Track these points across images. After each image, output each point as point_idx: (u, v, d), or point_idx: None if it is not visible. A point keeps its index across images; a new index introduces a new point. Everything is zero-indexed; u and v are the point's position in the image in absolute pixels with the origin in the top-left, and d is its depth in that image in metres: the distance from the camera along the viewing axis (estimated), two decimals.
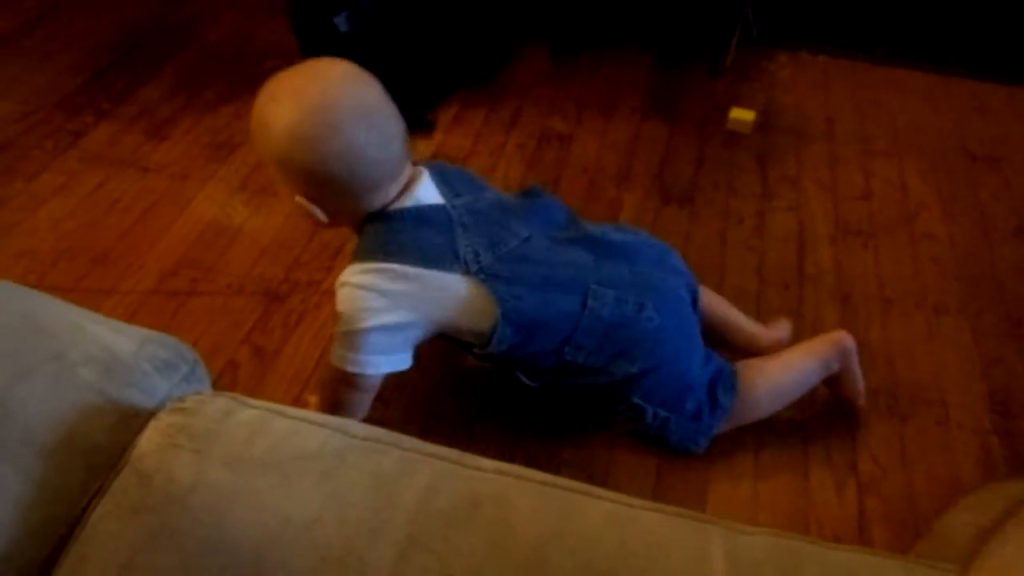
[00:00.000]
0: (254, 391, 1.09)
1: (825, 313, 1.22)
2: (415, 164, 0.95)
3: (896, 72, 1.72)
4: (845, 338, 1.04)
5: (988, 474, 1.02)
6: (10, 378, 0.53)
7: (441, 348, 1.08)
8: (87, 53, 1.69)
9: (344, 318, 0.89)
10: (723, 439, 1.03)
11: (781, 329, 1.13)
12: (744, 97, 1.63)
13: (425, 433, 0.58)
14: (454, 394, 1.10)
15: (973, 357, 1.16)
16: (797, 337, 1.12)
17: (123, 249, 1.29)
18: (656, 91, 1.66)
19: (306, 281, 1.25)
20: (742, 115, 1.54)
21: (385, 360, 0.90)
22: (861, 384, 1.05)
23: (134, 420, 0.55)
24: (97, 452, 0.53)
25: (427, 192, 0.92)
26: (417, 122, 1.52)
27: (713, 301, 1.12)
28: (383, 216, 0.90)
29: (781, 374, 1.03)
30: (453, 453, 0.54)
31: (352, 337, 0.89)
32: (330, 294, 0.90)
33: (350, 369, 0.90)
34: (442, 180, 0.94)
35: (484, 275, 0.89)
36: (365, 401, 0.95)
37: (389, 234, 0.89)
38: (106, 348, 0.58)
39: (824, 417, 1.08)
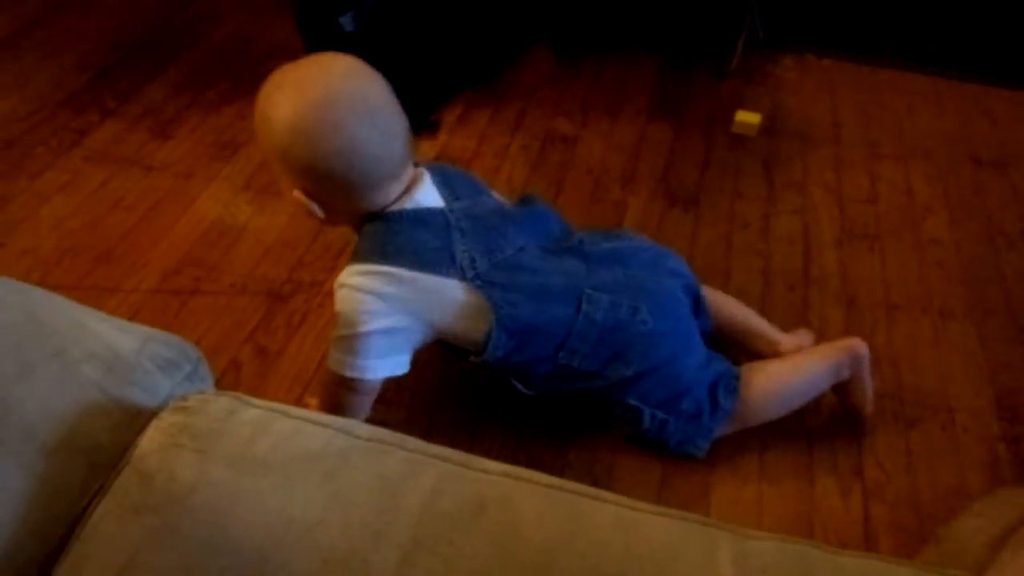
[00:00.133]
0: (256, 391, 1.09)
1: (830, 317, 1.21)
2: (417, 165, 0.94)
3: (902, 76, 1.71)
4: (858, 345, 1.03)
5: (995, 480, 1.01)
6: (12, 375, 0.52)
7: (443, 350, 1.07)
8: (92, 51, 1.69)
9: (342, 321, 0.88)
10: (727, 442, 1.02)
11: (803, 337, 1.12)
12: (750, 100, 1.63)
13: (428, 434, 0.58)
14: (457, 395, 1.09)
15: (979, 362, 1.15)
16: None
17: (127, 248, 1.29)
18: (662, 93, 1.65)
19: (309, 281, 1.25)
20: (748, 118, 1.54)
21: (383, 364, 0.90)
22: (870, 393, 1.04)
23: (136, 419, 0.54)
24: (98, 451, 0.53)
25: (427, 195, 0.91)
26: (421, 123, 1.52)
27: (730, 305, 1.11)
28: (382, 217, 0.89)
29: (790, 378, 1.03)
30: (458, 455, 0.53)
31: (350, 341, 0.88)
32: (333, 295, 0.90)
33: (348, 374, 0.90)
34: (443, 182, 0.94)
35: (480, 281, 0.89)
36: (365, 404, 0.95)
37: (387, 236, 0.88)
38: (108, 346, 0.58)
39: (830, 422, 1.07)
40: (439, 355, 1.10)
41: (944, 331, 1.20)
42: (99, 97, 1.58)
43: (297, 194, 0.88)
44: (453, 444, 0.56)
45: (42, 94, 1.57)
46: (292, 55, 0.91)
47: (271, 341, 1.16)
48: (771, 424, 1.04)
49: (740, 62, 1.70)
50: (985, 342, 1.18)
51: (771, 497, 0.99)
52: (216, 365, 1.12)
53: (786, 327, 1.13)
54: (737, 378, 1.00)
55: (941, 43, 1.80)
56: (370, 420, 0.97)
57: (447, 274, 0.88)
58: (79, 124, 1.51)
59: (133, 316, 1.19)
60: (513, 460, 0.56)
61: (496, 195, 1.03)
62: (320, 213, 0.90)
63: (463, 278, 0.88)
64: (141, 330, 0.61)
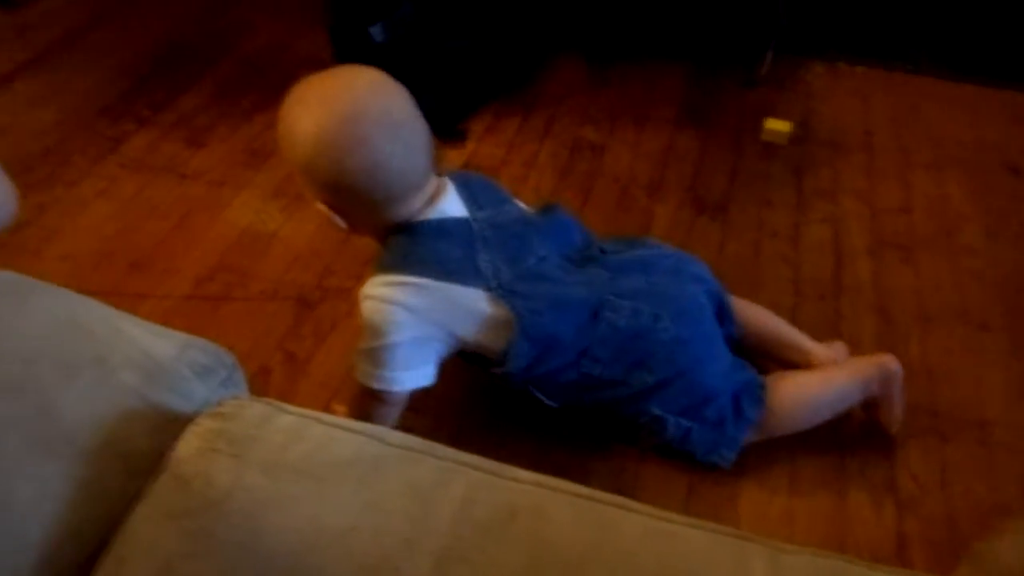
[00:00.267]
0: (285, 397, 1.09)
1: (862, 327, 1.19)
2: (440, 175, 0.95)
3: (937, 83, 1.69)
4: (890, 362, 1.01)
5: None
6: (55, 380, 0.53)
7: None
8: (129, 62, 1.73)
9: (368, 332, 0.89)
10: (756, 453, 1.01)
11: (837, 349, 1.10)
12: (780, 108, 1.61)
13: (454, 442, 0.58)
14: (483, 404, 1.10)
15: (1017, 375, 1.13)
16: None
17: (160, 254, 1.31)
18: (690, 101, 1.65)
19: (337, 288, 1.26)
20: (777, 126, 1.53)
21: (409, 376, 0.91)
22: (899, 411, 1.03)
23: (173, 424, 0.55)
24: (137, 455, 0.54)
25: (451, 204, 0.92)
26: (450, 131, 1.53)
27: (759, 314, 1.11)
28: (406, 228, 0.90)
29: (817, 390, 1.02)
30: (489, 463, 0.53)
31: (377, 353, 0.89)
32: (359, 304, 0.91)
33: (376, 386, 0.91)
34: (466, 192, 0.94)
35: (503, 291, 0.89)
36: (393, 413, 0.95)
37: (411, 246, 0.89)
38: (147, 352, 0.59)
39: (861, 433, 1.05)
40: (465, 364, 1.11)
41: (980, 343, 1.17)
42: (135, 106, 1.61)
43: (320, 206, 0.89)
44: (479, 451, 0.57)
45: (80, 104, 1.61)
46: (323, 65, 0.92)
47: (300, 347, 1.17)
48: (801, 434, 1.02)
49: (770, 70, 1.69)
50: (1022, 354, 1.15)
51: (801, 510, 0.98)
52: (246, 371, 1.13)
53: (817, 338, 1.11)
54: (762, 387, 0.99)
55: (976, 50, 1.77)
56: (397, 427, 0.98)
57: (471, 284, 0.88)
58: (115, 133, 1.54)
59: (166, 322, 1.20)
60: (538, 468, 0.56)
61: (519, 203, 1.04)
62: (343, 225, 0.91)
63: (487, 288, 0.89)
64: (178, 336, 0.62)
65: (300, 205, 1.39)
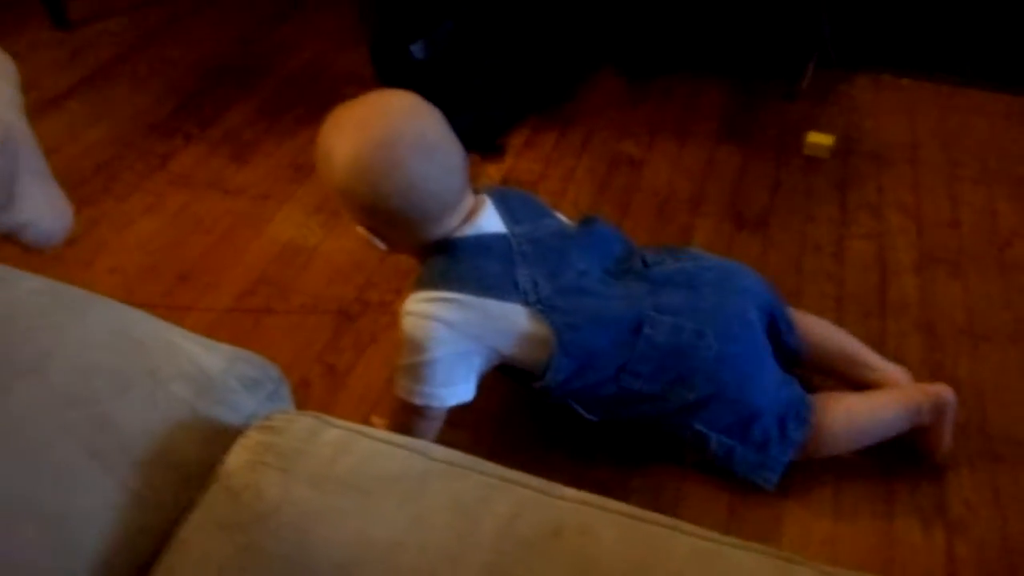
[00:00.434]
0: (325, 409, 1.10)
1: (909, 345, 1.17)
2: (477, 191, 0.95)
3: (984, 95, 1.65)
4: (945, 392, 0.98)
5: None
6: (111, 392, 0.55)
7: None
8: (178, 80, 1.78)
9: (408, 348, 0.90)
10: (800, 472, 0.99)
11: (900, 373, 1.06)
12: (822, 121, 1.59)
13: (492, 457, 0.58)
14: (522, 419, 1.09)
15: None
16: None
17: (204, 267, 1.34)
18: (730, 115, 1.64)
19: (378, 302, 1.27)
20: (820, 139, 1.51)
21: (450, 392, 0.91)
22: (948, 442, 1.00)
23: (222, 436, 0.56)
24: (187, 466, 0.55)
25: (489, 221, 0.92)
26: (488, 147, 1.54)
27: (826, 330, 1.07)
28: (444, 246, 0.91)
29: (867, 415, 0.99)
30: (534, 480, 0.53)
31: (417, 369, 0.90)
32: (400, 316, 0.92)
33: (417, 401, 0.91)
34: (504, 207, 0.95)
35: (543, 306, 0.89)
36: (433, 428, 0.96)
37: (450, 263, 0.90)
38: (197, 365, 0.60)
39: (909, 453, 1.03)
40: (504, 379, 1.11)
41: None
42: (183, 123, 1.65)
43: (360, 229, 0.92)
44: (516, 468, 0.56)
45: (130, 121, 1.66)
46: (364, 82, 0.94)
47: (339, 360, 1.18)
48: (846, 454, 1.00)
49: (812, 83, 1.67)
50: None
51: (846, 532, 0.95)
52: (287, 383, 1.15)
53: None
54: (809, 407, 0.97)
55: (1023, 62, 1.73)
56: (436, 441, 0.98)
57: (510, 299, 0.89)
58: (164, 149, 1.59)
59: (209, 334, 1.22)
60: (578, 484, 0.56)
61: (559, 216, 1.04)
62: (383, 247, 0.93)
63: (526, 303, 0.89)
64: (227, 349, 0.64)
65: (341, 219, 1.41)
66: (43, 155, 0.79)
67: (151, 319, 0.65)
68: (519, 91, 1.62)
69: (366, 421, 1.09)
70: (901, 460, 1.02)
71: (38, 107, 1.65)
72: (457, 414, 1.05)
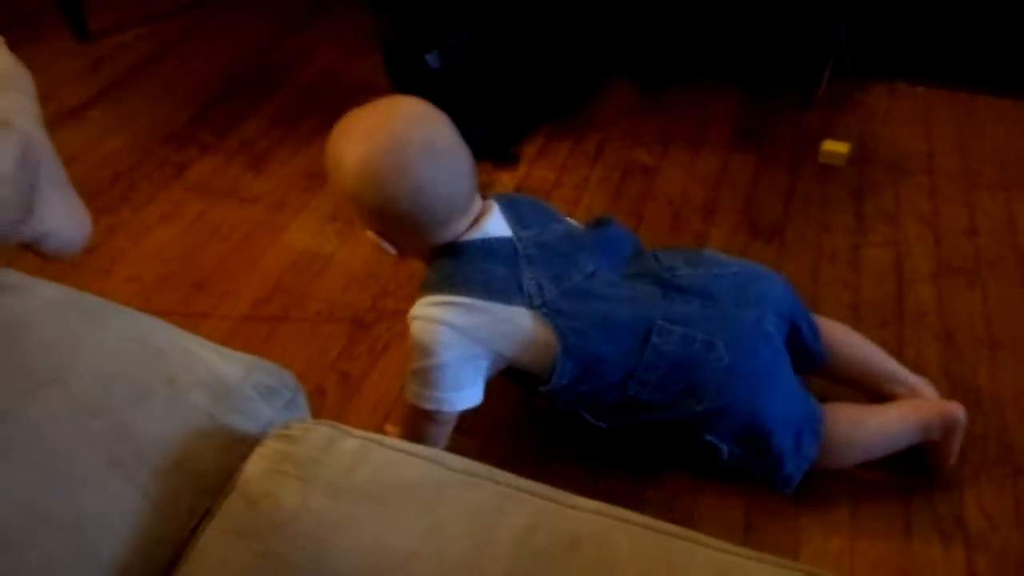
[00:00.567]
0: (339, 417, 1.11)
1: (927, 354, 1.16)
2: (486, 198, 0.96)
3: (1001, 103, 1.64)
4: (956, 410, 0.96)
5: None
6: (131, 400, 0.55)
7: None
8: (194, 91, 1.80)
9: (416, 352, 0.90)
10: (816, 483, 0.98)
11: (925, 386, 1.04)
12: (838, 130, 1.58)
13: (503, 466, 0.58)
14: (533, 427, 1.09)
15: None
16: None
17: (220, 275, 1.35)
18: (745, 123, 1.63)
19: (392, 310, 1.27)
20: (835, 148, 1.50)
21: (460, 397, 0.91)
22: (953, 459, 0.98)
23: (240, 445, 0.57)
24: (205, 475, 0.55)
25: (495, 225, 0.93)
26: (502, 155, 1.55)
27: (852, 340, 1.05)
28: (451, 249, 0.92)
29: (874, 429, 0.97)
30: (549, 490, 0.53)
31: (426, 374, 0.90)
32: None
33: (426, 406, 0.92)
34: (511, 212, 0.95)
35: (547, 309, 0.89)
36: (444, 433, 0.96)
37: (456, 267, 0.91)
38: (215, 373, 0.60)
39: (927, 464, 1.02)
40: (515, 386, 1.11)
41: None
42: (199, 133, 1.67)
43: (370, 234, 0.93)
44: (528, 477, 0.56)
45: (148, 131, 1.67)
46: (379, 91, 0.95)
47: (354, 368, 1.19)
48: (863, 464, 0.99)
49: (827, 91, 1.67)
50: None
51: (864, 544, 0.94)
52: None
53: None
54: (820, 421, 0.95)
55: None
56: (447, 448, 0.98)
57: (515, 302, 0.89)
58: (180, 158, 1.60)
59: (225, 342, 1.23)
60: (591, 495, 0.56)
61: (570, 221, 1.03)
62: (392, 251, 0.94)
63: (530, 306, 0.89)
64: (244, 358, 0.64)
65: (356, 228, 1.42)
66: (62, 165, 0.80)
67: (169, 327, 0.66)
68: (533, 100, 1.62)
69: (380, 429, 1.10)
70: (919, 472, 1.01)
71: (58, 118, 1.67)
72: (468, 421, 1.06)
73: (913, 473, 1.01)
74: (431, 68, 1.47)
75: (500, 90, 1.55)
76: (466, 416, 0.95)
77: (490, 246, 0.91)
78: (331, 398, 1.15)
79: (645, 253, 1.03)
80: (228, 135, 1.66)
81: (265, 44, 1.96)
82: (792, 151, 1.55)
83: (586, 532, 0.49)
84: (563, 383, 0.91)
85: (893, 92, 1.69)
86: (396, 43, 1.53)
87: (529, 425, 1.09)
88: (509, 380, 0.99)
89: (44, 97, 0.83)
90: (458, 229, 0.91)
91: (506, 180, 1.51)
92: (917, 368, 1.11)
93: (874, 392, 1.04)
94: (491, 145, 1.53)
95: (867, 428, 0.97)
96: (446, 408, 0.92)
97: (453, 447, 1.00)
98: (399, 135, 0.87)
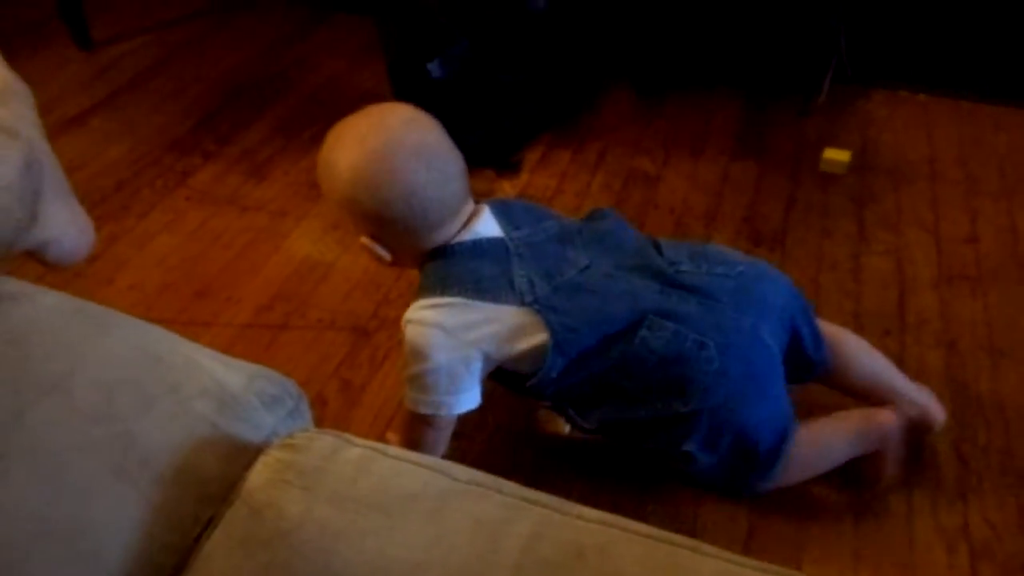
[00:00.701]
0: (341, 425, 1.11)
1: (929, 363, 1.15)
2: (479, 203, 0.96)
3: (1003, 111, 1.64)
4: (887, 419, 0.95)
5: None
6: (135, 408, 0.55)
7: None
8: (197, 99, 1.80)
9: (411, 357, 0.90)
10: (817, 494, 0.98)
11: (925, 395, 1.03)
12: (838, 137, 1.59)
13: (505, 477, 0.57)
14: (532, 436, 1.09)
15: None
16: None
17: (222, 283, 1.35)
18: (745, 131, 1.64)
19: (394, 318, 1.27)
20: (836, 155, 1.50)
21: (456, 400, 0.91)
22: (891, 470, 0.97)
23: (243, 454, 0.57)
24: (209, 483, 0.55)
25: (486, 226, 0.93)
26: (504, 163, 1.55)
27: (860, 354, 1.03)
28: (442, 252, 0.92)
29: (806, 446, 0.94)
30: (554, 500, 0.53)
31: (421, 378, 0.90)
32: None
33: (424, 411, 0.92)
34: (503, 214, 0.95)
35: (539, 306, 0.88)
36: (443, 439, 0.96)
37: (447, 268, 0.91)
38: (218, 382, 0.60)
39: (930, 473, 1.01)
40: (516, 397, 1.11)
41: None
42: (201, 141, 1.67)
43: (365, 240, 0.93)
44: (531, 486, 0.56)
45: (151, 139, 1.68)
46: (381, 100, 0.96)
47: (356, 376, 1.19)
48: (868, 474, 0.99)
49: (827, 98, 1.67)
50: None
51: (868, 554, 0.94)
52: None
53: None
54: (790, 440, 0.93)
55: None
56: (447, 457, 0.98)
57: (506, 300, 0.89)
58: (183, 166, 1.60)
59: (227, 350, 1.23)
60: (593, 506, 0.55)
61: (565, 219, 1.01)
62: (387, 256, 0.94)
63: (522, 303, 0.89)
64: (247, 366, 0.64)
65: (357, 237, 1.42)
66: (64, 174, 0.81)
67: (172, 336, 0.66)
68: (534, 108, 1.62)
69: (382, 438, 1.09)
70: (923, 479, 1.01)
71: (61, 126, 1.68)
72: (470, 430, 1.06)
73: (919, 482, 1.01)
74: (433, 77, 1.47)
75: (501, 98, 1.55)
76: (468, 424, 0.95)
77: (480, 246, 0.92)
78: (333, 406, 1.15)
79: (647, 244, 0.99)
80: (231, 143, 1.66)
81: (268, 53, 1.97)
82: (793, 159, 1.55)
83: (591, 542, 0.49)
84: (551, 376, 0.90)
85: (894, 99, 1.70)
86: (398, 52, 1.53)
87: (528, 436, 1.09)
88: (496, 383, 0.98)
89: (47, 105, 0.83)
90: (450, 232, 0.92)
91: (508, 188, 1.51)
92: (919, 376, 1.10)
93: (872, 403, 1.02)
94: (493, 153, 1.54)
95: (811, 445, 0.94)
96: (444, 412, 0.92)
97: (454, 456, 1.00)
98: (391, 140, 0.88)
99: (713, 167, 1.54)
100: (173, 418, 0.56)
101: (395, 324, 1.26)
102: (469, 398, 0.92)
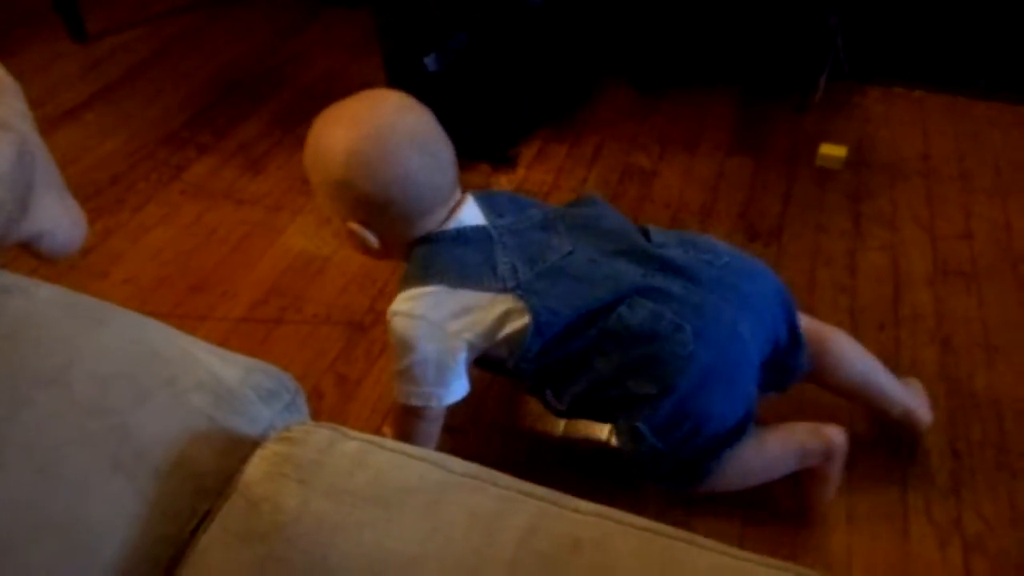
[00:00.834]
0: (336, 419, 1.10)
1: (924, 358, 1.16)
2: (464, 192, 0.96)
3: (998, 107, 1.65)
4: (836, 436, 0.93)
5: None
6: (131, 402, 0.55)
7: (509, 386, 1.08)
8: (192, 92, 1.79)
9: (398, 349, 0.90)
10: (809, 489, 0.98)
11: (913, 398, 1.03)
12: (835, 133, 1.59)
13: (500, 469, 0.57)
14: (526, 430, 1.09)
15: None
16: None
17: (218, 277, 1.35)
18: (742, 127, 1.64)
19: None
20: (832, 151, 1.51)
21: (446, 391, 0.91)
22: (831, 491, 0.96)
23: (240, 447, 0.57)
24: (205, 477, 0.55)
25: (469, 214, 0.93)
26: (500, 157, 1.55)
27: (849, 356, 1.01)
28: (428, 240, 0.92)
29: (750, 455, 0.93)
30: (550, 493, 0.53)
31: (409, 370, 0.90)
32: None
33: (414, 403, 0.92)
34: (487, 204, 0.95)
35: (521, 291, 0.88)
36: (433, 430, 0.96)
37: (430, 256, 0.91)
38: (214, 375, 0.60)
39: (924, 468, 1.02)
40: (506, 387, 1.11)
41: None
42: (197, 135, 1.67)
43: (353, 225, 0.92)
44: (524, 479, 0.56)
45: (146, 132, 1.67)
46: None
47: (351, 370, 1.19)
48: (860, 468, 1.00)
49: (824, 94, 1.67)
50: None
51: (861, 547, 0.95)
52: None
53: None
54: (736, 444, 0.91)
55: None
56: (441, 449, 0.98)
57: (489, 287, 0.89)
58: (178, 160, 1.60)
59: (222, 343, 1.22)
60: (588, 499, 0.55)
61: (549, 207, 1.01)
62: (375, 243, 0.92)
63: (504, 289, 0.89)
64: (243, 360, 0.64)
65: None
66: (57, 167, 0.80)
67: (168, 329, 0.66)
68: (530, 102, 1.62)
69: (378, 432, 1.10)
70: (916, 473, 1.02)
71: (56, 119, 1.67)
72: (464, 423, 1.06)
73: (913, 477, 1.01)
74: (429, 71, 1.47)
75: (498, 93, 1.55)
76: (461, 419, 0.95)
77: (464, 234, 0.92)
78: (329, 400, 1.15)
79: (633, 229, 0.98)
80: (226, 137, 1.66)
81: (264, 46, 1.96)
82: (789, 154, 1.56)
83: (587, 535, 0.49)
84: (529, 357, 0.89)
85: (890, 96, 1.70)
86: (395, 46, 1.53)
87: (523, 429, 1.09)
88: (483, 370, 0.98)
89: (42, 98, 0.83)
90: (437, 220, 0.92)
91: (504, 182, 1.51)
92: (914, 372, 1.11)
93: (865, 408, 1.03)
94: (489, 147, 1.54)
95: (743, 454, 0.92)
96: (434, 403, 0.91)
97: (449, 450, 1.00)
98: (385, 123, 0.88)
99: (709, 162, 1.55)
100: (169, 411, 0.56)
101: None
102: (458, 388, 0.92)
